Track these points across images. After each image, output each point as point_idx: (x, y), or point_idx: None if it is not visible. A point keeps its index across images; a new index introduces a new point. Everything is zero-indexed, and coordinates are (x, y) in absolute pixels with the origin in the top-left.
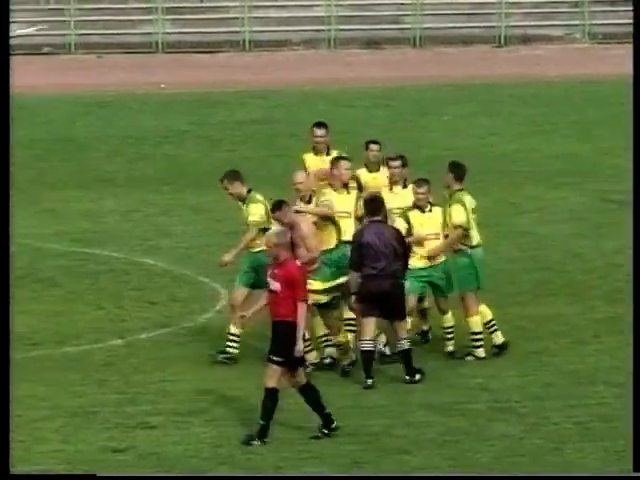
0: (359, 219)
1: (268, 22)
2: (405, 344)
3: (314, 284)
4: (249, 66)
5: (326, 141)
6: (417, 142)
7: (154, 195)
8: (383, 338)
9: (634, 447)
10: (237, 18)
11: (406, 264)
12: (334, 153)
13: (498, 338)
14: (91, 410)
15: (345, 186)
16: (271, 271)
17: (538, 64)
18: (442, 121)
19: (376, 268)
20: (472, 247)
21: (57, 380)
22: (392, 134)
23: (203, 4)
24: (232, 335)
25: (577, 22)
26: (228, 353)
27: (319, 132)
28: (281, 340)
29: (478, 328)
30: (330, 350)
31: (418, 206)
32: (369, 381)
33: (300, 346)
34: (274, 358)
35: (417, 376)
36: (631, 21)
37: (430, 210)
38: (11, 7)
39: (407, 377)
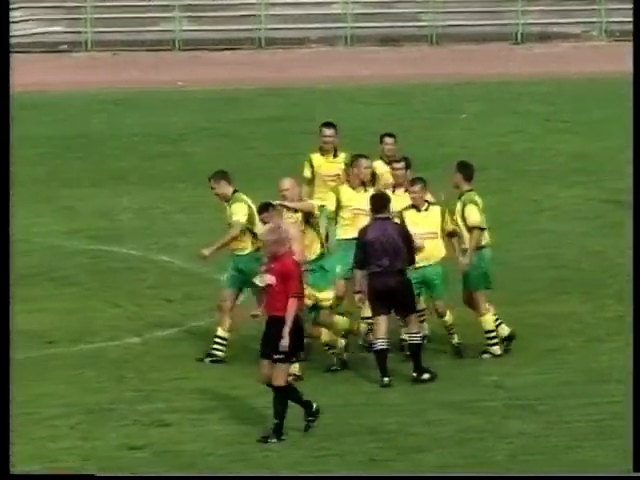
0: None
1: (285, 19)
2: (416, 339)
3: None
4: (266, 64)
5: (334, 142)
6: (434, 140)
7: (171, 192)
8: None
9: (634, 447)
10: (254, 15)
11: (412, 260)
12: (341, 155)
13: (504, 330)
14: (107, 407)
15: (363, 184)
16: (268, 266)
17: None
18: (459, 119)
19: (381, 266)
20: (481, 247)
21: (73, 378)
22: (409, 132)
23: (220, 2)
24: (219, 338)
25: (594, 20)
26: (215, 356)
27: (328, 132)
28: (278, 338)
29: (491, 326)
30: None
31: (414, 205)
32: (385, 379)
33: (285, 342)
34: (277, 357)
35: (425, 375)
36: None
37: (426, 209)
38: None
39: (414, 374)
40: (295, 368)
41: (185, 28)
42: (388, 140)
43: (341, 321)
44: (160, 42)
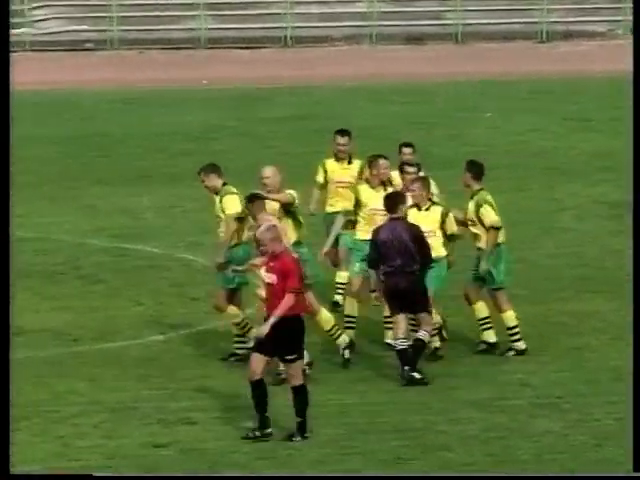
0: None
1: (310, 18)
2: (422, 336)
3: None
4: (290, 62)
5: (347, 149)
6: (458, 139)
7: (194, 191)
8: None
9: (634, 447)
10: (279, 14)
11: (425, 261)
12: (356, 162)
13: (490, 337)
14: (131, 406)
15: (383, 184)
16: (267, 265)
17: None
18: (483, 117)
19: (393, 266)
20: (497, 245)
21: (97, 376)
22: (433, 130)
23: (245, 0)
24: (237, 337)
25: (619, 18)
26: (238, 355)
27: (342, 140)
28: (288, 337)
29: (513, 322)
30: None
31: (415, 204)
32: (416, 375)
33: (264, 330)
34: (289, 357)
35: (416, 375)
36: None
37: (428, 209)
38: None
39: (407, 368)
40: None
41: (210, 26)
42: (406, 150)
43: (325, 317)
44: (185, 40)
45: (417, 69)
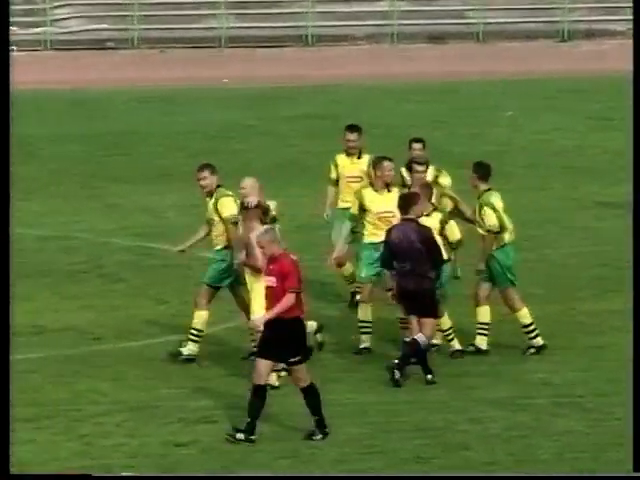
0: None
1: (331, 17)
2: (421, 339)
3: None
4: (312, 61)
5: (358, 145)
6: (479, 137)
7: None
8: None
9: (634, 447)
10: (300, 13)
11: (435, 263)
12: (365, 156)
13: (482, 343)
14: (153, 405)
15: (387, 186)
16: (267, 268)
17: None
18: (504, 116)
19: (404, 267)
20: (502, 246)
21: (119, 375)
22: (454, 129)
23: None
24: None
25: None
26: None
27: (351, 136)
28: (290, 340)
29: (528, 320)
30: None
31: None
32: (429, 377)
33: (257, 321)
34: (293, 360)
35: (396, 373)
36: None
37: (428, 215)
38: (75, 2)
39: (396, 362)
40: (272, 378)
41: (231, 25)
42: (416, 145)
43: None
44: (206, 39)
45: (438, 68)
